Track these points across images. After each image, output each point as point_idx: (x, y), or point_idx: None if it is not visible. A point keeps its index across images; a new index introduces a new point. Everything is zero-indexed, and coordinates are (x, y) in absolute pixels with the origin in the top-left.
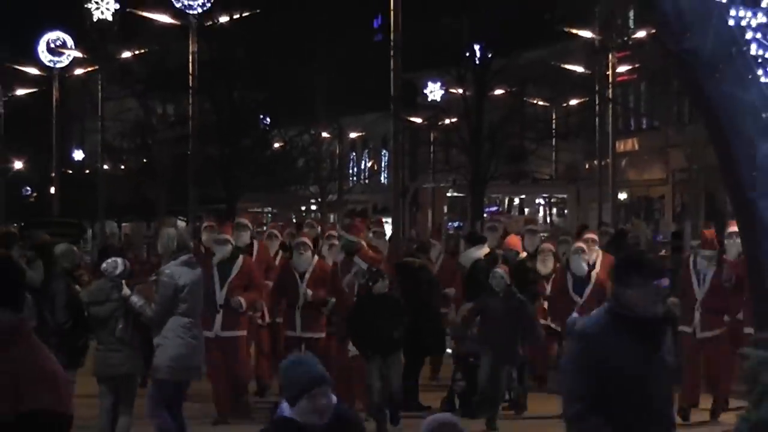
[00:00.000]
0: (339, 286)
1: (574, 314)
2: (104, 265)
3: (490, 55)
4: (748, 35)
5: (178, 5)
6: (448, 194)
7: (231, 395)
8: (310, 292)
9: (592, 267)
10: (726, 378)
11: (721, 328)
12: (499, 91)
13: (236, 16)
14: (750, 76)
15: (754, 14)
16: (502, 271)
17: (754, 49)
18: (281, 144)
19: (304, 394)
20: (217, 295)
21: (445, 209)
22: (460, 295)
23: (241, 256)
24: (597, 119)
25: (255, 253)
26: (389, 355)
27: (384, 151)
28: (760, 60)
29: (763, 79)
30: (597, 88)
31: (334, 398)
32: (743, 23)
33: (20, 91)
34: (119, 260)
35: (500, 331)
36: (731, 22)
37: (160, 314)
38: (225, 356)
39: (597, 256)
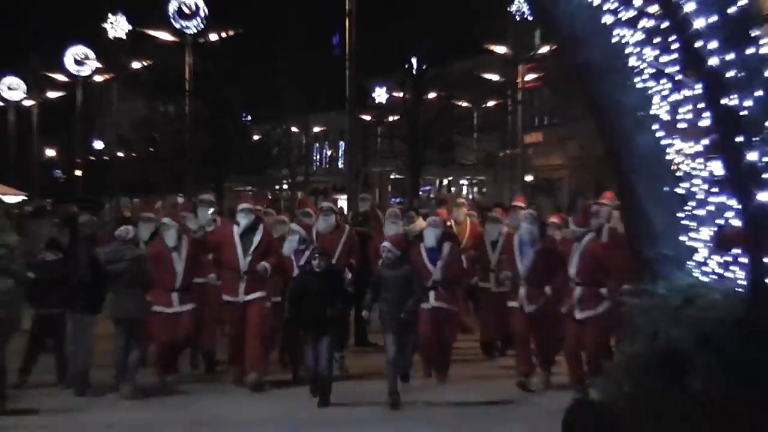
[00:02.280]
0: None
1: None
2: (118, 231)
3: (425, 66)
4: (628, 50)
5: (177, 26)
6: (392, 176)
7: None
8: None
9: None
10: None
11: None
12: (432, 95)
13: (223, 35)
14: (629, 83)
15: (633, 33)
16: (389, 244)
17: (632, 61)
18: (259, 136)
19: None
20: (240, 262)
21: (390, 188)
22: None
23: (261, 226)
24: (509, 117)
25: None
26: (321, 334)
27: (341, 142)
28: (636, 70)
29: (639, 85)
30: (509, 93)
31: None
32: (624, 40)
33: (51, 94)
34: (130, 227)
35: (394, 302)
36: (615, 40)
37: None
38: (248, 318)
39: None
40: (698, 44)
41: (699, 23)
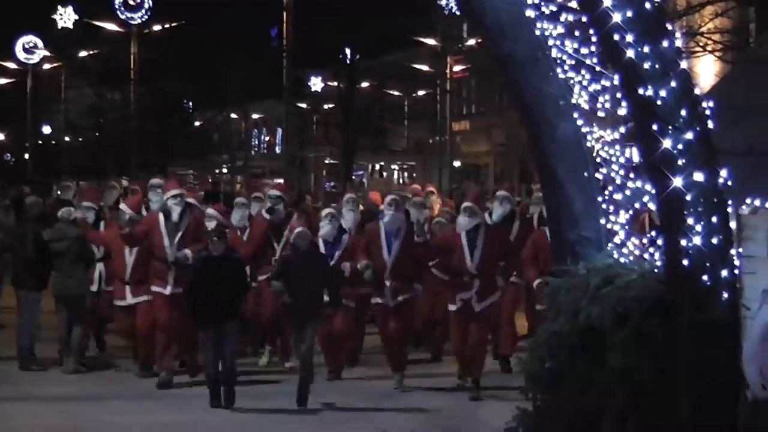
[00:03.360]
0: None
1: None
2: (61, 212)
3: (358, 57)
4: (550, 42)
5: (123, 17)
6: (327, 162)
7: None
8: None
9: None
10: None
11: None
12: (365, 84)
13: (167, 26)
14: (551, 74)
15: (555, 26)
16: (304, 229)
17: (554, 53)
18: (201, 123)
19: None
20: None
21: (324, 173)
22: None
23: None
24: (438, 106)
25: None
26: (223, 325)
27: (279, 129)
28: (558, 61)
29: (561, 76)
30: (438, 83)
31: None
32: (546, 33)
33: (2, 81)
34: (72, 209)
35: (302, 288)
36: (537, 33)
37: None
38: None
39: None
40: (616, 37)
41: (617, 17)
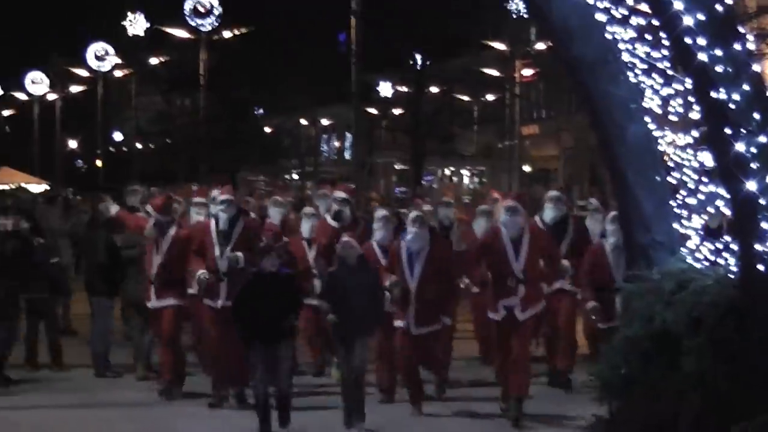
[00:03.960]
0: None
1: None
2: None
3: (427, 62)
4: (621, 46)
5: (192, 24)
6: (396, 167)
7: None
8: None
9: None
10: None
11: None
12: (433, 89)
13: (236, 33)
14: (621, 77)
15: (625, 30)
16: (350, 240)
17: (625, 57)
18: (270, 129)
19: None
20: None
21: (394, 178)
22: None
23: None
24: (507, 110)
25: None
26: (274, 345)
27: (347, 134)
28: (629, 65)
29: (631, 79)
30: (507, 87)
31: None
32: (617, 37)
33: (74, 89)
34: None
35: (350, 304)
36: (608, 36)
37: None
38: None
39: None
40: (687, 40)
41: (688, 21)
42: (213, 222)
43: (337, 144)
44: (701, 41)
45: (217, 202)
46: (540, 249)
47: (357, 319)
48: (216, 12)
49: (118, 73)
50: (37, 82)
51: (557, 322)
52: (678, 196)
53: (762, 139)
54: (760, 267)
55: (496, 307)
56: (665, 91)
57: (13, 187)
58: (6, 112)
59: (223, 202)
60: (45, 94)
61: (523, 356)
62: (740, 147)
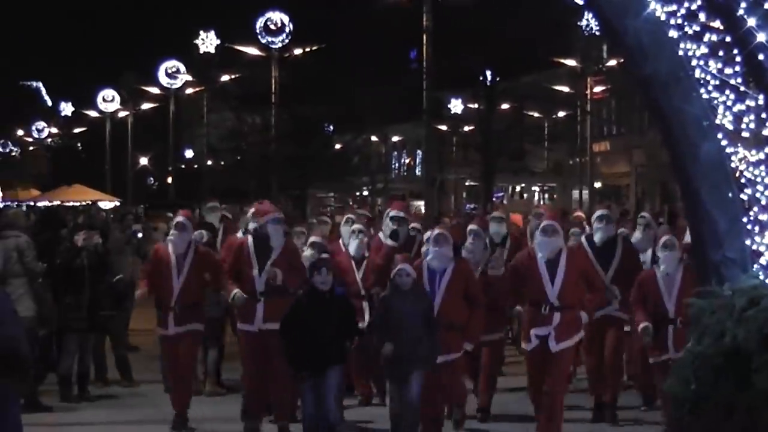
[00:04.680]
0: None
1: None
2: (194, 234)
3: (497, 78)
4: (693, 62)
5: (263, 41)
6: (466, 183)
7: None
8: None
9: None
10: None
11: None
12: (504, 106)
13: (307, 50)
14: (694, 94)
15: (698, 47)
16: (408, 267)
17: (697, 73)
18: (340, 145)
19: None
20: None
21: (464, 195)
22: None
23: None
24: (578, 127)
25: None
26: (325, 370)
27: (418, 151)
28: (702, 81)
29: (704, 96)
30: (579, 104)
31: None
32: (689, 53)
33: (145, 106)
34: (204, 232)
35: (403, 333)
36: (681, 53)
37: None
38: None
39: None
40: (760, 57)
41: (761, 37)
42: (251, 239)
43: (407, 161)
44: None
45: (264, 219)
46: (579, 273)
47: (411, 350)
48: (287, 29)
49: (189, 91)
50: (108, 100)
51: (603, 351)
52: (750, 212)
53: None
54: None
55: (528, 336)
56: (738, 108)
57: (85, 203)
58: (78, 129)
59: (275, 219)
60: (116, 112)
61: (554, 392)
62: None
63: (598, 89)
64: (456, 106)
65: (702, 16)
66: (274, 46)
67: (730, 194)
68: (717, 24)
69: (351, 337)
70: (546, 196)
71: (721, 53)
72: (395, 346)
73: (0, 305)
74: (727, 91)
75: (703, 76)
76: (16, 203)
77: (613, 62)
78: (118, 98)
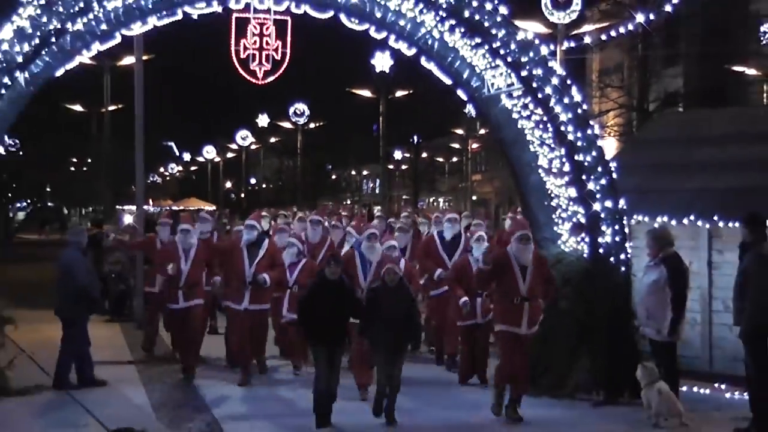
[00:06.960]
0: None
1: None
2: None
3: (420, 140)
4: (526, 132)
5: (293, 120)
6: (404, 197)
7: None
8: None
9: None
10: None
11: None
12: (424, 155)
13: (318, 124)
14: (527, 149)
15: (528, 122)
16: (394, 266)
17: (528, 137)
18: (335, 176)
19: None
20: (246, 272)
21: (402, 204)
22: None
23: (266, 240)
24: (464, 166)
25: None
26: (334, 349)
27: (377, 179)
28: (530, 142)
29: (532, 150)
30: (464, 153)
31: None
32: (524, 127)
33: (229, 155)
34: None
35: (391, 319)
36: (519, 126)
37: None
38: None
39: None
40: (562, 128)
41: (563, 117)
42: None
43: (371, 185)
44: (570, 128)
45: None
46: (542, 270)
47: (396, 332)
48: (306, 112)
49: (253, 147)
50: (209, 152)
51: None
52: (556, 212)
53: (603, 180)
54: (601, 250)
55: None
56: (550, 156)
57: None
58: (192, 168)
59: (250, 226)
60: (213, 158)
61: (526, 365)
62: (591, 185)
63: (475, 145)
64: (398, 154)
65: (531, 107)
66: (299, 122)
67: (546, 203)
68: (539, 111)
69: (356, 316)
70: (447, 204)
71: (541, 126)
72: (385, 332)
73: (77, 264)
74: (544, 147)
75: (531, 139)
76: (159, 208)
77: (483, 131)
78: (214, 150)
